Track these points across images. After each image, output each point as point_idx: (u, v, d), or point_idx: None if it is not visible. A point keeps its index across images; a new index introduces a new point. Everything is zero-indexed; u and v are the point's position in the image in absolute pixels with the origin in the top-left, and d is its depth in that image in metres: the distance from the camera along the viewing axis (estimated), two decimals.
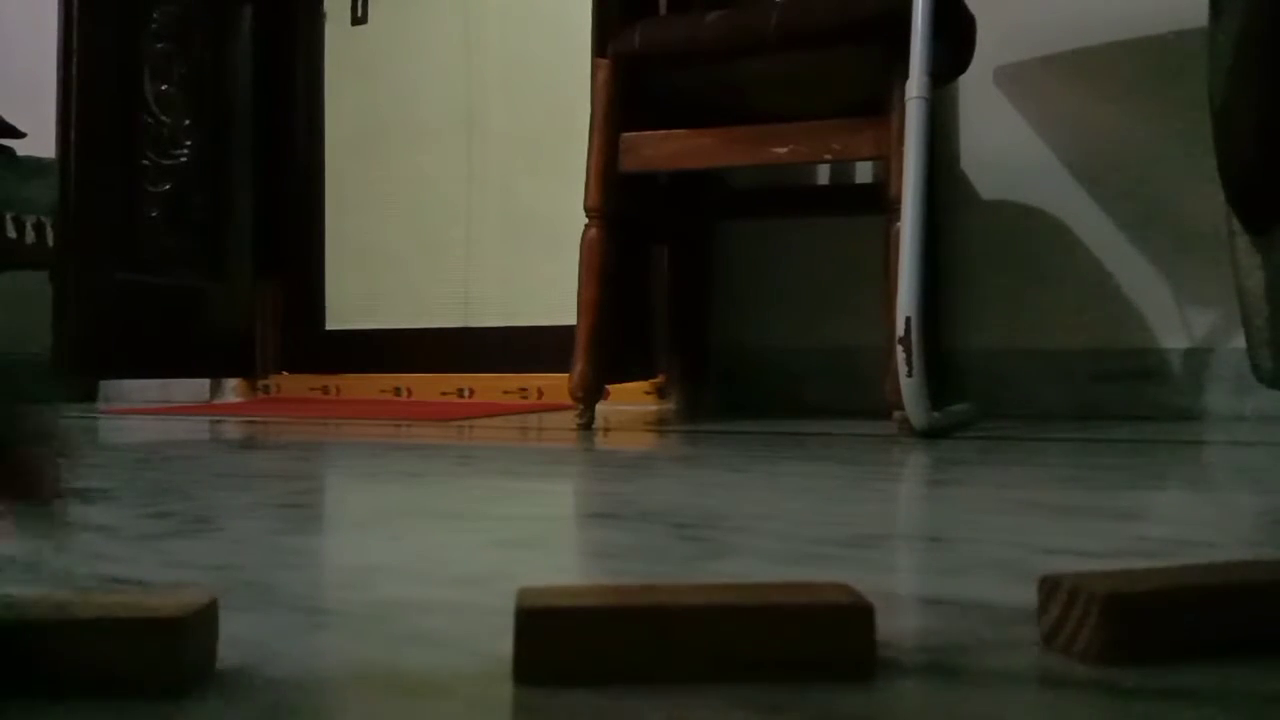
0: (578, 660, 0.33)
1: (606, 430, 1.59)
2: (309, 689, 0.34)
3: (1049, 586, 0.37)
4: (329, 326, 2.85)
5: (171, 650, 0.33)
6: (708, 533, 0.63)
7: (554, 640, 0.33)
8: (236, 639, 0.39)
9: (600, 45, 1.66)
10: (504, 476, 0.96)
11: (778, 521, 0.68)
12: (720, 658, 0.33)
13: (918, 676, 0.35)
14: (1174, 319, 1.89)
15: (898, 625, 0.42)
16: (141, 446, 1.30)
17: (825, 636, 0.34)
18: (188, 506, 0.75)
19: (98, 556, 0.57)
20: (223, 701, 0.32)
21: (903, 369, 1.38)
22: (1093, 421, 1.74)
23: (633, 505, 0.75)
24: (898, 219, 1.43)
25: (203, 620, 0.34)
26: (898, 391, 1.39)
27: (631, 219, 1.76)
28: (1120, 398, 1.90)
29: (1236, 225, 1.14)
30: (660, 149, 1.62)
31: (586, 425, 1.62)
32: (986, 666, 0.36)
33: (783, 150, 1.56)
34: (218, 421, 1.83)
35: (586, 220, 1.63)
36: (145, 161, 2.42)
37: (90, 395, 2.90)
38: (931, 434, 1.41)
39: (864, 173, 2.10)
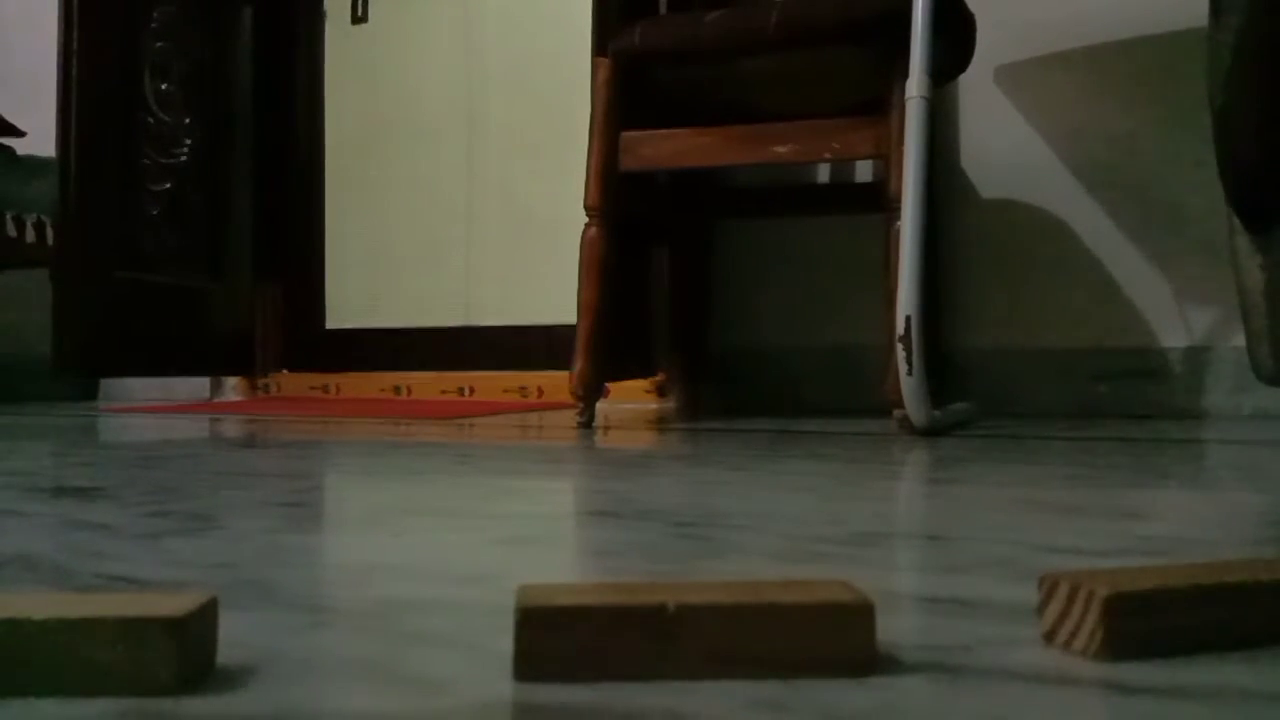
0: (578, 658, 0.33)
1: (606, 428, 1.59)
2: (309, 688, 0.34)
3: (1049, 584, 0.37)
4: (329, 325, 2.85)
5: (171, 649, 0.33)
6: (709, 530, 0.63)
7: (554, 638, 0.33)
8: (236, 638, 0.39)
9: (600, 44, 1.66)
10: (505, 475, 0.96)
11: (779, 519, 0.68)
12: (720, 655, 0.33)
13: (918, 674, 0.35)
14: (1174, 317, 1.89)
15: (899, 623, 0.42)
16: (142, 445, 1.30)
17: (826, 634, 0.34)
18: (189, 505, 0.75)
19: (98, 555, 0.57)
20: (222, 700, 0.32)
21: (903, 367, 1.38)
22: (1093, 420, 1.74)
23: (633, 503, 0.75)
24: (898, 218, 1.43)
25: (202, 619, 0.34)
26: (898, 390, 1.39)
27: (631, 218, 1.76)
28: (1120, 396, 1.90)
29: (1237, 224, 1.14)
30: (660, 148, 1.62)
31: (587, 423, 1.62)
32: (987, 664, 0.36)
33: (783, 149, 1.56)
34: (218, 420, 1.83)
35: (586, 219, 1.63)
36: (145, 160, 2.42)
37: (90, 394, 2.90)
38: (931, 432, 1.41)
39: (864, 171, 2.10)
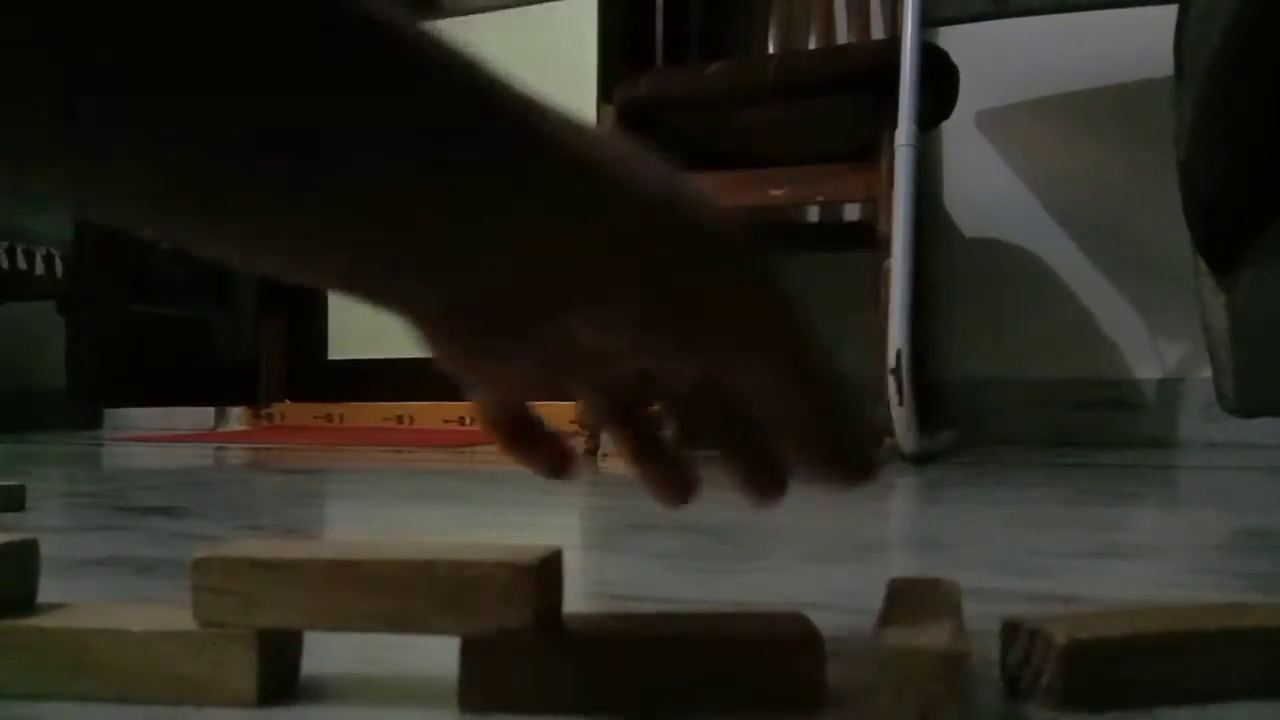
0: (521, 689, 0.33)
1: (606, 455, 1.67)
2: (396, 705, 0.35)
3: (1010, 630, 0.35)
4: (331, 356, 2.92)
5: (252, 660, 0.33)
6: (743, 539, 0.72)
7: (498, 668, 0.33)
8: (324, 651, 0.38)
9: (606, 92, 1.76)
10: (544, 493, 1.04)
11: (799, 530, 0.77)
12: (667, 688, 0.33)
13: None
14: (1147, 350, 2.00)
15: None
16: (185, 470, 1.38)
17: (774, 668, 0.33)
18: (277, 521, 0.83)
19: None
20: (302, 712, 0.33)
21: (894, 398, 1.47)
22: (1070, 448, 1.84)
23: (667, 517, 0.84)
24: (888, 257, 1.52)
25: (285, 630, 0.34)
26: (889, 419, 1.48)
27: None
28: (1096, 425, 2.00)
29: (1202, 266, 1.24)
30: None
31: (593, 450, 1.70)
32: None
33: (779, 192, 1.66)
34: (237, 448, 1.90)
35: None
36: None
37: (94, 423, 2.96)
38: (921, 459, 1.50)
39: (851, 211, 2.20)
